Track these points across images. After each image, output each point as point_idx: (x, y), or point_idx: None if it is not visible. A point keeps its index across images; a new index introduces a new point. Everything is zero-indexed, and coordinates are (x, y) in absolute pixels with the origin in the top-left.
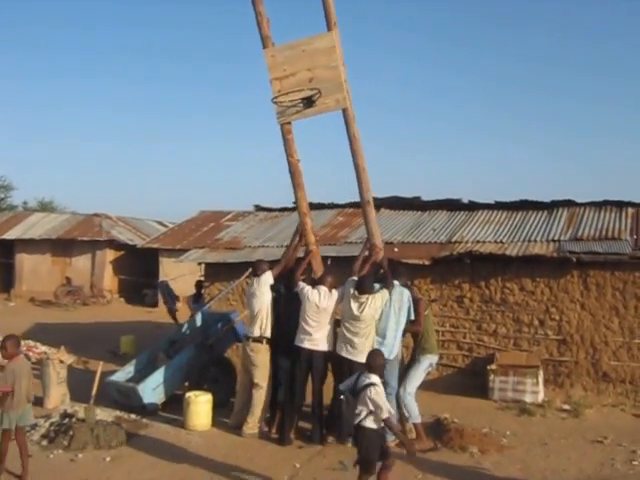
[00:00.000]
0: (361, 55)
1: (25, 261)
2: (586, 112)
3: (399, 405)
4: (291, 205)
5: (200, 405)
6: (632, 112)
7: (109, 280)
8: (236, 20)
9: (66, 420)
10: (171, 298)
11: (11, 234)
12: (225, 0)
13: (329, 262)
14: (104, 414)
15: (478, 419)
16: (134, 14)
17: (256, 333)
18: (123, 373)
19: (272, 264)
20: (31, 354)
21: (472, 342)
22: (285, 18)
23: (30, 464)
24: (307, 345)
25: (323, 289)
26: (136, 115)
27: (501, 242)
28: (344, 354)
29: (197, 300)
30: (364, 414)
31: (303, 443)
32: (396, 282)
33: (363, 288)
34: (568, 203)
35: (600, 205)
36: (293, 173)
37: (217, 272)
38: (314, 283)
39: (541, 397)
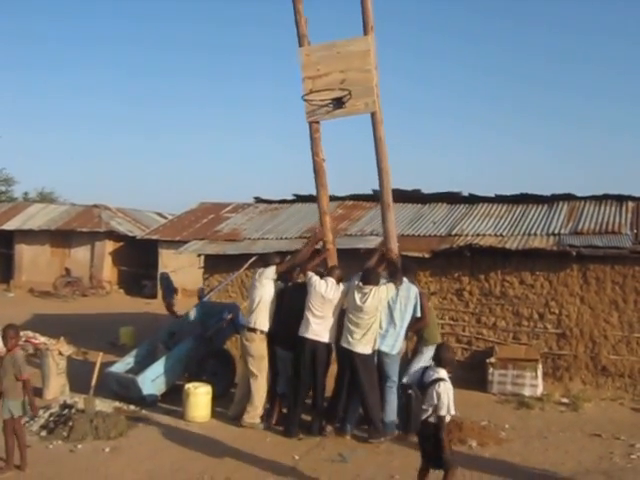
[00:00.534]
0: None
1: (24, 252)
2: (587, 106)
3: (400, 396)
4: (290, 197)
5: (199, 397)
6: (632, 106)
7: (108, 271)
8: (235, 10)
9: (65, 411)
10: (170, 290)
11: (10, 225)
12: None
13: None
14: (103, 405)
15: (477, 412)
16: (131, 6)
17: (252, 324)
18: (122, 364)
19: (284, 256)
20: (30, 344)
21: (471, 335)
22: (322, 18)
23: (29, 455)
24: (310, 336)
25: (331, 280)
26: (137, 107)
27: (501, 235)
28: (344, 344)
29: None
30: (431, 410)
31: (302, 435)
32: (405, 278)
33: (368, 279)
34: (568, 197)
35: (600, 199)
36: (317, 172)
37: (216, 264)
38: (322, 277)
39: (540, 390)
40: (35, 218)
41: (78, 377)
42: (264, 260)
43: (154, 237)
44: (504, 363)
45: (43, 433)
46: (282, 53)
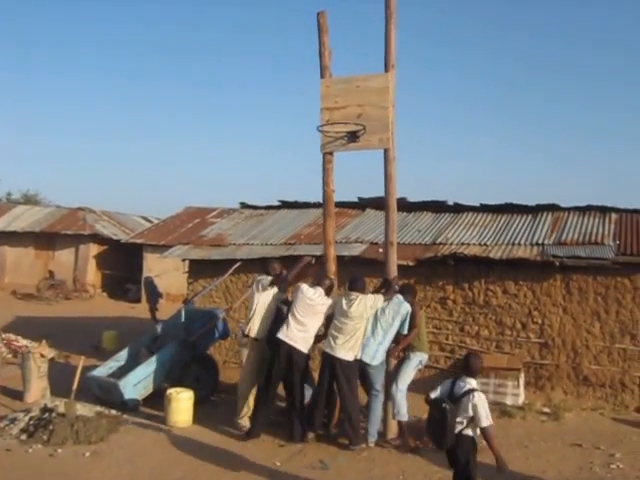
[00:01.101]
0: (351, 51)
1: (8, 254)
2: (574, 115)
3: (386, 403)
4: (276, 203)
5: (181, 402)
6: (618, 116)
7: (92, 274)
8: (223, 17)
9: (46, 415)
10: (155, 295)
11: None
12: None
13: (313, 261)
14: (85, 409)
15: None
16: (118, 11)
17: (247, 331)
18: (104, 368)
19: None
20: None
21: (454, 344)
22: (345, 52)
23: (8, 459)
24: (287, 339)
25: (319, 289)
26: (123, 111)
27: (485, 245)
28: (327, 349)
29: None
30: (465, 422)
31: (284, 441)
32: (400, 296)
33: (355, 286)
34: (552, 207)
35: (584, 210)
36: (326, 202)
37: (201, 269)
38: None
39: (522, 400)
40: (19, 220)
41: (59, 381)
42: (263, 267)
43: (139, 241)
44: (486, 372)
45: (23, 437)
46: (270, 59)
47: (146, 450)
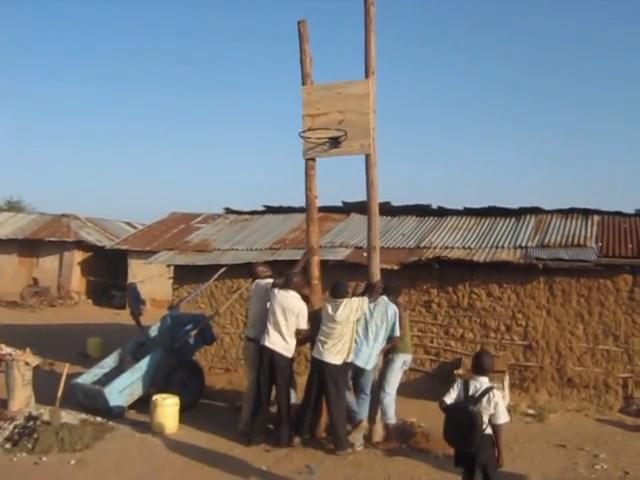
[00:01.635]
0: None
1: None
2: (558, 118)
3: (372, 406)
4: (261, 208)
5: (167, 408)
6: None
7: (77, 281)
8: (204, 22)
9: (30, 423)
10: (137, 301)
11: None
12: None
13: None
14: (69, 417)
15: None
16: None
17: (246, 333)
18: (89, 375)
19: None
20: None
21: (439, 347)
22: (325, 58)
23: None
24: (268, 344)
25: (291, 291)
26: (107, 118)
27: (469, 248)
28: (315, 354)
29: None
30: (487, 421)
31: (270, 446)
32: (385, 297)
33: (338, 292)
34: (535, 210)
35: (566, 213)
36: (309, 208)
37: (186, 274)
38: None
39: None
40: (2, 227)
41: (44, 388)
42: (249, 271)
43: (123, 247)
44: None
45: (7, 445)
46: (254, 66)
47: (132, 457)
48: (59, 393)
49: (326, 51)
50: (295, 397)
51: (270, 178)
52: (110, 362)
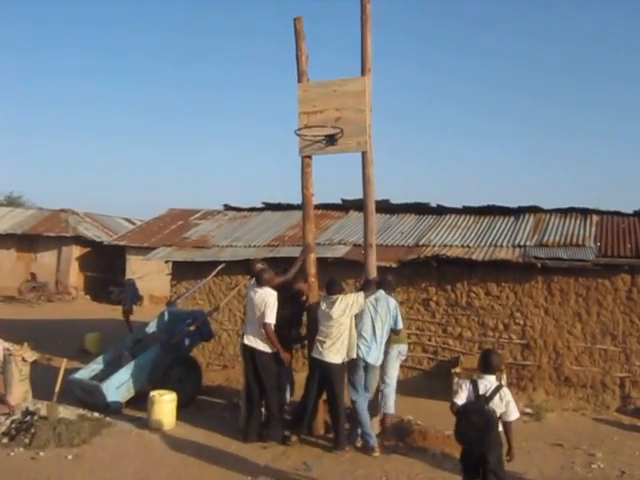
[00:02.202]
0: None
1: None
2: (558, 117)
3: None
4: (260, 205)
5: (164, 404)
6: (602, 118)
7: (75, 277)
8: (203, 19)
9: (28, 418)
10: (135, 297)
11: None
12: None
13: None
14: (67, 412)
15: (442, 421)
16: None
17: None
18: (87, 371)
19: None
20: None
21: (437, 345)
22: (322, 55)
23: None
24: (247, 342)
25: (267, 287)
26: (107, 114)
27: (468, 246)
28: (315, 354)
29: None
30: (499, 420)
31: (267, 443)
32: (382, 291)
33: (333, 290)
34: (534, 209)
35: (565, 212)
36: (305, 205)
37: (184, 271)
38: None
39: None
40: (1, 221)
41: (42, 383)
42: (247, 268)
43: (122, 243)
44: (469, 373)
45: (4, 440)
46: (254, 63)
47: (129, 452)
48: (57, 388)
49: (322, 48)
50: (290, 394)
51: (269, 175)
52: (108, 358)
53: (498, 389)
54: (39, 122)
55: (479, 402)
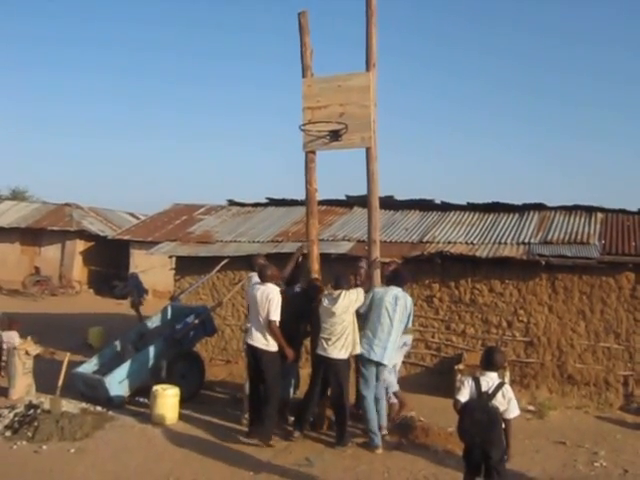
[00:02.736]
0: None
1: None
2: (563, 115)
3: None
4: (264, 201)
5: (167, 399)
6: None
7: (79, 271)
8: (207, 13)
9: (31, 411)
10: (138, 291)
11: None
12: None
13: (300, 259)
14: (70, 406)
15: (444, 418)
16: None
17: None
18: (90, 365)
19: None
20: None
21: (440, 342)
22: (326, 50)
23: None
24: (251, 341)
25: (269, 284)
26: (112, 108)
27: (472, 243)
28: (320, 351)
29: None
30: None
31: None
32: (398, 288)
33: (339, 284)
34: (539, 207)
35: (570, 209)
36: (309, 201)
37: (188, 266)
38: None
39: None
40: (5, 215)
41: (45, 377)
42: (249, 264)
43: (126, 237)
44: (472, 370)
45: (7, 433)
46: (260, 58)
47: (131, 447)
48: (60, 382)
49: (327, 43)
50: (293, 391)
51: (273, 170)
52: (111, 352)
53: (500, 386)
54: (44, 116)
55: (483, 399)
